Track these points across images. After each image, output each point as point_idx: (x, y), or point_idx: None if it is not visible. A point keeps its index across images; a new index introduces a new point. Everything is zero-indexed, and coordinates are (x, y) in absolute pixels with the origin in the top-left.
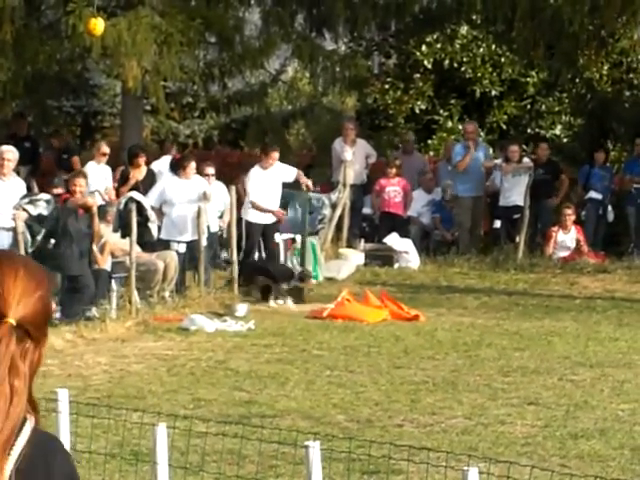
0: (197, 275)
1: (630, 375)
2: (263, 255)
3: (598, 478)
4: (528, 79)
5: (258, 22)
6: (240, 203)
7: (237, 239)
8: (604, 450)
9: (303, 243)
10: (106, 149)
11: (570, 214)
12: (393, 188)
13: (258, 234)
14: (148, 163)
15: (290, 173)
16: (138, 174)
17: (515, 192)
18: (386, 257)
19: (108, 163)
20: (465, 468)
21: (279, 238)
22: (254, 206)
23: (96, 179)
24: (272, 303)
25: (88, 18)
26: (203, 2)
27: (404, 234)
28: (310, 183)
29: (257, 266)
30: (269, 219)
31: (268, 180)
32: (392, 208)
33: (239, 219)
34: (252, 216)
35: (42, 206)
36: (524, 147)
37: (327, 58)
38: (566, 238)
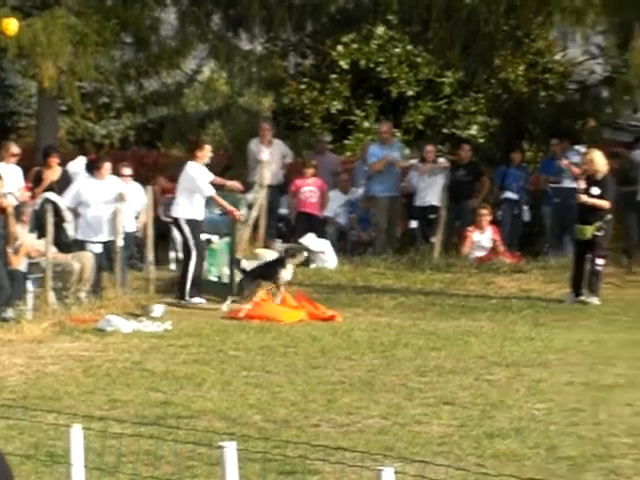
0: (113, 276)
1: (546, 374)
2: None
3: (513, 477)
4: (444, 79)
5: (174, 22)
6: (156, 203)
7: (154, 239)
8: (520, 449)
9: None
10: (15, 150)
11: (485, 214)
12: (309, 188)
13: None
14: (63, 164)
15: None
16: (52, 175)
17: (431, 192)
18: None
19: (23, 164)
20: (380, 468)
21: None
22: (216, 202)
23: (6, 180)
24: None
25: (1, 18)
26: (119, 2)
27: (321, 234)
28: (238, 184)
29: (258, 272)
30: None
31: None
32: (308, 208)
33: (156, 219)
34: (197, 214)
35: None
36: (440, 147)
37: (243, 58)
38: (482, 238)
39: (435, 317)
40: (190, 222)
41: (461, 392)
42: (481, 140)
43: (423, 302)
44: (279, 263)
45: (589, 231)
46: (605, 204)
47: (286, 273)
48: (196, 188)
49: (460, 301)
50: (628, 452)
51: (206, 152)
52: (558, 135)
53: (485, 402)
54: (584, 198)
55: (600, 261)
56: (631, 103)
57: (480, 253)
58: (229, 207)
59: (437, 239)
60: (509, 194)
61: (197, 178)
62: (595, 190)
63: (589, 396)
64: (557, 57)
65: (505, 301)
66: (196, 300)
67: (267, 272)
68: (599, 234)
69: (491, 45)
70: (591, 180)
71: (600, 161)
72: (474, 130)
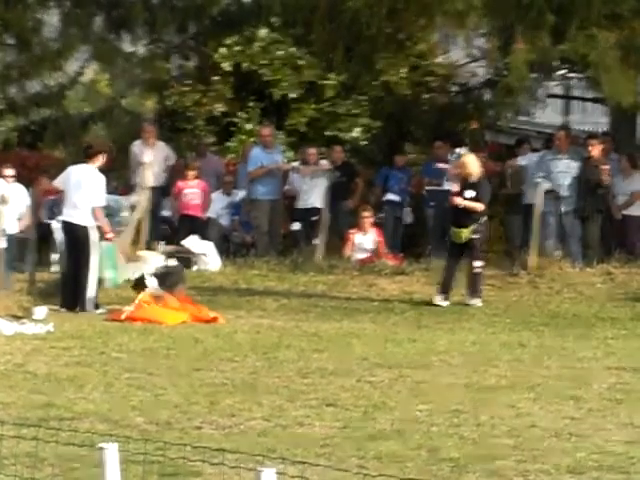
0: None
1: (428, 376)
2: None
3: (393, 478)
4: (327, 82)
5: (57, 24)
6: (38, 205)
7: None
8: (402, 451)
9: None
10: None
11: (368, 216)
12: (191, 190)
13: None
14: None
15: None
16: None
17: (313, 194)
18: (185, 259)
19: None
20: (260, 469)
21: None
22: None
23: None
24: None
25: None
26: (1, 3)
27: (203, 236)
28: None
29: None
30: None
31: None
32: (191, 210)
33: (38, 222)
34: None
35: None
36: (322, 150)
37: (126, 60)
38: (364, 240)
39: (317, 319)
40: (95, 229)
41: (343, 394)
42: (364, 142)
43: (305, 304)
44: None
45: (465, 234)
46: (480, 206)
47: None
48: (96, 195)
49: (342, 303)
50: (510, 453)
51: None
52: (441, 137)
53: (367, 404)
54: (458, 201)
55: (478, 263)
56: (513, 105)
57: (362, 255)
58: (106, 227)
59: (320, 241)
60: (391, 196)
61: (100, 185)
62: (469, 193)
63: (471, 397)
64: (439, 60)
65: (387, 303)
66: (101, 310)
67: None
68: (475, 237)
69: (373, 48)
70: (465, 183)
71: (473, 164)
72: (356, 132)
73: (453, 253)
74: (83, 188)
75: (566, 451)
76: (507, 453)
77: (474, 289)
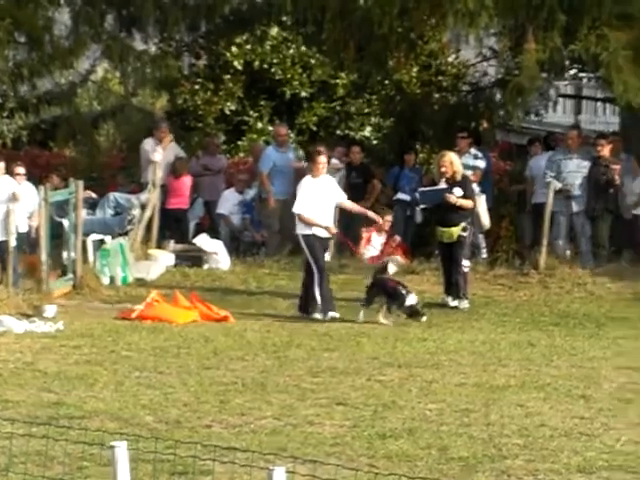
0: (5, 276)
1: (438, 375)
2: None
3: (404, 477)
4: (338, 81)
5: (68, 22)
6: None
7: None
8: (412, 450)
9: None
10: None
11: (388, 220)
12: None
13: None
14: None
15: None
16: None
17: None
18: (195, 258)
19: None
20: (271, 467)
21: (89, 240)
22: None
23: None
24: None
25: None
26: (12, 2)
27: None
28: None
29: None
30: None
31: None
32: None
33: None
34: None
35: None
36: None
37: (137, 58)
38: (379, 240)
39: (330, 318)
40: None
41: (353, 393)
42: (374, 141)
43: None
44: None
45: (455, 232)
46: (470, 204)
47: None
48: None
49: (354, 302)
50: (519, 453)
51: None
52: (463, 131)
53: (377, 403)
54: (453, 198)
55: (466, 262)
56: (523, 105)
57: (374, 254)
58: None
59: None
60: (402, 195)
61: None
62: (458, 191)
63: (481, 397)
64: (450, 59)
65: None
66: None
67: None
68: (464, 234)
69: (385, 47)
70: (452, 181)
71: (458, 162)
72: (367, 131)
73: (444, 253)
74: None
75: (576, 450)
76: (517, 452)
77: (461, 290)
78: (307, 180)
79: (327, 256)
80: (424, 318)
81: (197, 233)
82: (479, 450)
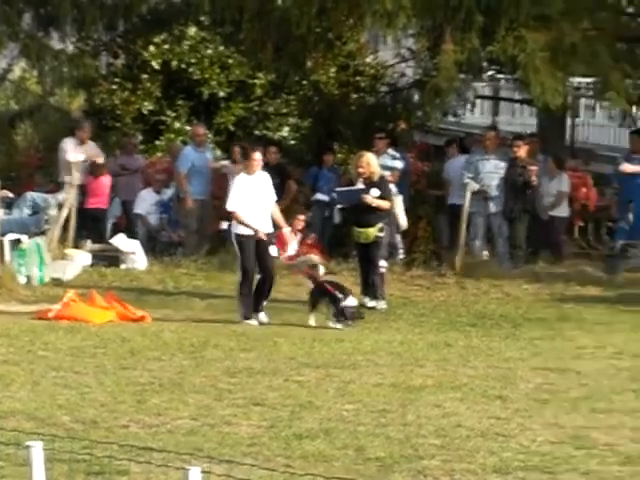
0: None
1: (355, 376)
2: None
3: (319, 477)
4: (256, 81)
5: None
6: None
7: None
8: (328, 450)
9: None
10: None
11: (301, 220)
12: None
13: None
14: None
15: None
16: None
17: None
18: (112, 258)
19: None
20: (187, 467)
21: (5, 239)
22: None
23: None
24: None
25: None
26: None
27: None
28: None
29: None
30: None
31: None
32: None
33: None
34: None
35: None
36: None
37: (55, 57)
38: (294, 241)
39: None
40: None
41: (270, 393)
42: (292, 142)
43: (233, 303)
44: None
45: (372, 233)
46: (387, 204)
47: None
48: None
49: (270, 302)
50: (436, 453)
51: None
52: (380, 132)
53: (294, 403)
54: (370, 199)
55: (383, 263)
56: (441, 106)
57: (290, 254)
58: None
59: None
60: (320, 196)
61: None
62: (374, 192)
63: (398, 397)
64: (368, 60)
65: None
66: None
67: None
68: (381, 235)
69: (303, 47)
70: (369, 182)
71: (375, 163)
72: (285, 132)
73: (362, 254)
74: None
75: (492, 451)
76: (433, 453)
77: (378, 290)
78: (241, 177)
79: (274, 249)
80: (349, 322)
81: (114, 233)
82: (396, 450)
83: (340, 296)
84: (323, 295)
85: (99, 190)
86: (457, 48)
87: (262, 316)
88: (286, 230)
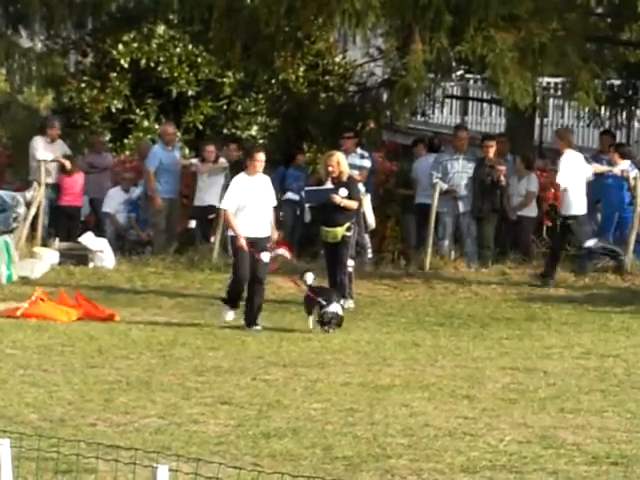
0: None
1: (323, 375)
2: None
3: (286, 475)
4: (224, 80)
5: None
6: None
7: None
8: (296, 449)
9: None
10: None
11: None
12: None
13: None
14: None
15: None
16: None
17: (211, 192)
18: (81, 256)
19: None
20: (155, 465)
21: None
22: None
23: None
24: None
25: None
26: None
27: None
28: None
29: None
30: None
31: None
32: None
33: None
34: None
35: None
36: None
37: (23, 56)
38: None
39: (213, 317)
40: None
41: (238, 392)
42: (261, 141)
43: (202, 302)
44: None
45: (340, 232)
46: (355, 204)
47: None
48: None
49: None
50: (403, 452)
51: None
52: (348, 132)
53: (262, 402)
54: (338, 199)
55: (351, 262)
56: (410, 106)
57: None
58: None
59: (216, 239)
60: (290, 195)
61: None
62: (343, 191)
63: (365, 396)
64: (337, 59)
65: (283, 301)
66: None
67: None
68: (349, 234)
69: (271, 46)
70: (338, 181)
71: (344, 162)
72: (254, 131)
73: (330, 253)
74: None
75: (460, 450)
76: (401, 452)
77: (346, 290)
78: (241, 177)
79: (267, 256)
80: (325, 328)
81: (83, 231)
82: (363, 449)
83: (323, 302)
84: (312, 301)
85: (73, 188)
86: (426, 48)
87: (257, 328)
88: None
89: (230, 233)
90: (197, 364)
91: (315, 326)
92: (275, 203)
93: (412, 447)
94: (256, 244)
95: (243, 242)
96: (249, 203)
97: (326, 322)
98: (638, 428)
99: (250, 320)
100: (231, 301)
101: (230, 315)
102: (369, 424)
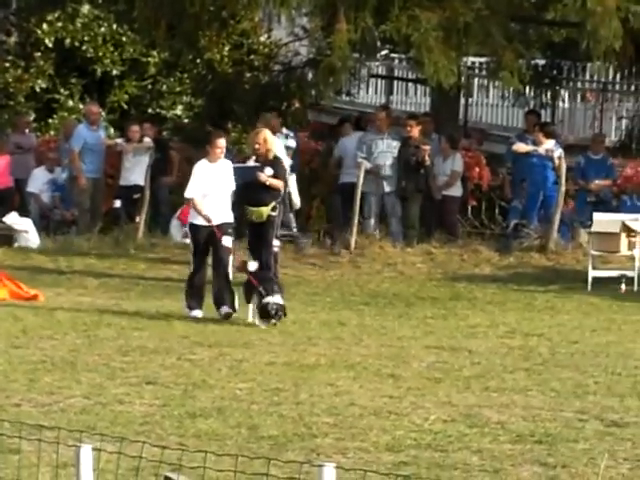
0: None
1: (248, 354)
2: None
3: (209, 453)
4: (149, 59)
5: None
6: None
7: None
8: (222, 429)
9: None
10: None
11: None
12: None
13: None
14: None
15: None
16: None
17: (136, 172)
18: (5, 236)
19: None
20: (78, 445)
21: None
22: None
23: None
24: None
25: None
26: None
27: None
28: None
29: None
30: None
31: None
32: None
33: None
34: None
35: None
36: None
37: None
38: None
39: (138, 297)
40: None
41: (163, 372)
42: (186, 120)
43: (126, 282)
44: None
45: (265, 212)
46: (281, 184)
47: None
48: None
49: (164, 282)
50: (329, 431)
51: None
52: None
53: (187, 382)
54: (264, 177)
55: (277, 242)
56: (335, 85)
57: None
58: None
59: (141, 219)
60: None
61: None
62: (269, 170)
63: (291, 376)
64: (262, 38)
65: (209, 282)
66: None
67: None
68: (274, 214)
69: (196, 25)
70: (263, 160)
71: (272, 140)
72: (179, 110)
73: (255, 233)
74: None
75: (385, 429)
76: (326, 431)
77: (271, 270)
78: (202, 164)
79: (229, 240)
80: (272, 321)
81: (7, 211)
82: (289, 429)
83: (263, 292)
84: (252, 288)
85: (1, 169)
86: (351, 27)
87: (225, 309)
88: None
89: (190, 220)
90: (122, 344)
91: (255, 316)
92: (234, 187)
93: (337, 426)
94: (218, 229)
95: (212, 220)
96: (212, 190)
97: (272, 315)
98: (562, 407)
99: (218, 302)
100: (193, 296)
101: (197, 313)
102: (294, 403)
